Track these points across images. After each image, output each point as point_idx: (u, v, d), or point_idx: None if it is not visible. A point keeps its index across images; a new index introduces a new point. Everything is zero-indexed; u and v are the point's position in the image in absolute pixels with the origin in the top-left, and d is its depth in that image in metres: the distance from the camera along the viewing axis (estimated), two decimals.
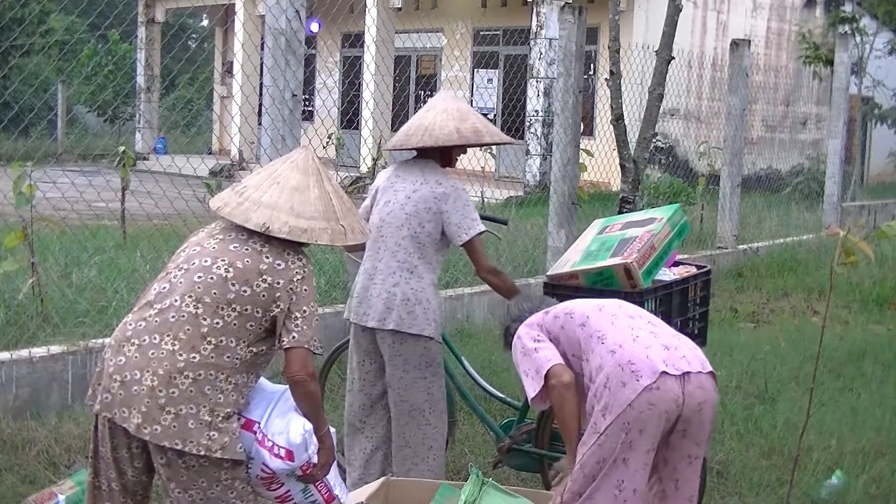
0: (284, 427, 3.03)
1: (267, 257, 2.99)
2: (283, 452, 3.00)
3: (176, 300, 2.96)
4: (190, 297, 2.95)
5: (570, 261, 4.26)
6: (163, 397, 2.86)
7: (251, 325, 2.96)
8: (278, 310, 2.97)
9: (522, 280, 7.78)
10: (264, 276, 2.96)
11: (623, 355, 3.18)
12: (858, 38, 16.91)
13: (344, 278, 6.57)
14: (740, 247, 10.57)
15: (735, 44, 10.35)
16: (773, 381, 6.14)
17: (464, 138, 4.06)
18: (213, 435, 2.89)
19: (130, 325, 3.00)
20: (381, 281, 4.04)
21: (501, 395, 4.61)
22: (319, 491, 3.19)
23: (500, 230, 5.91)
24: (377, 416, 4.21)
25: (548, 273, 4.27)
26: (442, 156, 4.17)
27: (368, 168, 14.41)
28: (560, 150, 7.45)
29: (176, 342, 2.91)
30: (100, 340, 5.13)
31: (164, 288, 3.01)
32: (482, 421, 4.62)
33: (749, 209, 12.52)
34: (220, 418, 2.91)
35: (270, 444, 3.01)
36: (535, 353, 3.36)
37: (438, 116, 4.09)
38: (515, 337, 3.49)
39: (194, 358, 2.90)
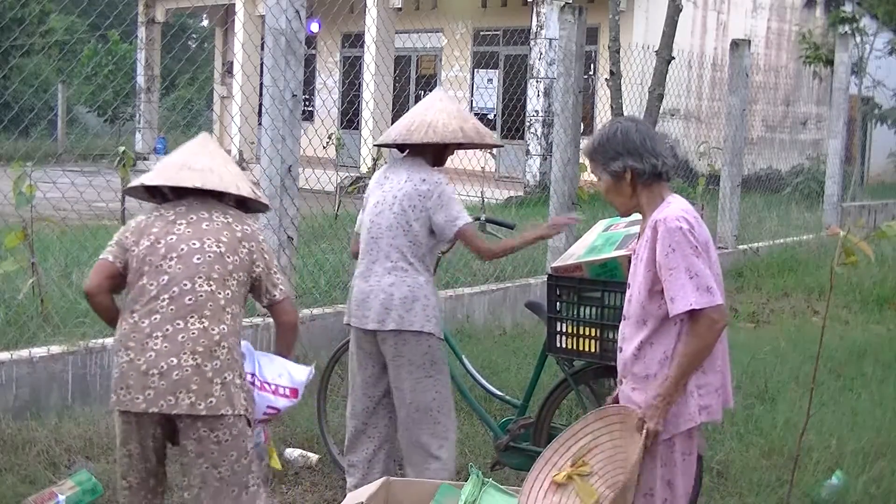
0: (284, 371, 3.40)
1: (236, 226, 3.27)
2: (287, 391, 3.38)
3: (185, 284, 3.13)
4: (199, 277, 3.15)
5: (574, 254, 4.28)
6: (209, 371, 3.08)
7: (244, 290, 3.27)
8: (259, 269, 3.30)
9: (522, 280, 7.80)
10: (243, 243, 3.26)
11: (726, 377, 3.12)
12: (858, 38, 16.92)
13: (344, 278, 6.56)
14: (740, 247, 10.56)
15: (735, 44, 10.35)
16: (773, 381, 6.13)
17: (468, 137, 4.09)
18: (244, 396, 3.18)
19: (143, 322, 3.11)
20: (376, 283, 4.03)
21: (501, 394, 4.61)
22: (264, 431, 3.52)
23: (507, 234, 5.89)
24: (379, 416, 4.21)
25: (551, 265, 4.27)
26: (436, 155, 4.16)
27: (368, 168, 14.41)
28: (560, 150, 7.46)
29: (204, 319, 3.11)
30: (100, 340, 5.12)
31: (164, 280, 3.15)
32: (482, 420, 4.62)
33: (749, 209, 12.51)
34: (242, 380, 3.19)
35: (273, 386, 3.34)
36: (703, 268, 2.96)
37: (440, 115, 4.08)
38: (682, 221, 3.06)
39: (224, 329, 3.14)
